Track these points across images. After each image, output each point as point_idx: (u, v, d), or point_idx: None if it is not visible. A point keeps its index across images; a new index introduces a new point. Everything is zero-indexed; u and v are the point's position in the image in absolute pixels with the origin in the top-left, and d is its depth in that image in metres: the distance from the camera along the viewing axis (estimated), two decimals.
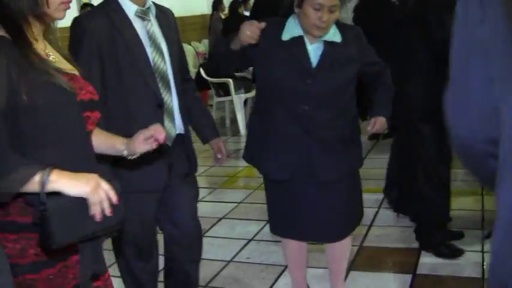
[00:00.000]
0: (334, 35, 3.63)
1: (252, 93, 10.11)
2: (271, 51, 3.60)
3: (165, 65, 3.44)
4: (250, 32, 3.39)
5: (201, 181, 7.30)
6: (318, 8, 3.46)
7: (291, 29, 3.60)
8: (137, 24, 3.39)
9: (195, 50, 13.48)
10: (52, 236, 2.05)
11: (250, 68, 9.37)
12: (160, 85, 3.40)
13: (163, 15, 3.59)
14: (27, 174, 2.03)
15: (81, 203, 2.10)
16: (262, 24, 3.42)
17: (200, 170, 7.69)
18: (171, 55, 3.49)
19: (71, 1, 2.35)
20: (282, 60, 3.59)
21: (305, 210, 3.81)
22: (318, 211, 3.79)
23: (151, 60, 3.38)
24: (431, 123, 4.68)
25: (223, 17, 13.09)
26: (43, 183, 2.04)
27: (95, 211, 2.12)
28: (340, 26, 3.70)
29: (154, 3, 3.57)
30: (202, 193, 6.81)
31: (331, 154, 3.70)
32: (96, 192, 2.11)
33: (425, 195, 4.92)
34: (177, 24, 3.72)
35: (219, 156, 3.93)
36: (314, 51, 3.61)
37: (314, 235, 3.96)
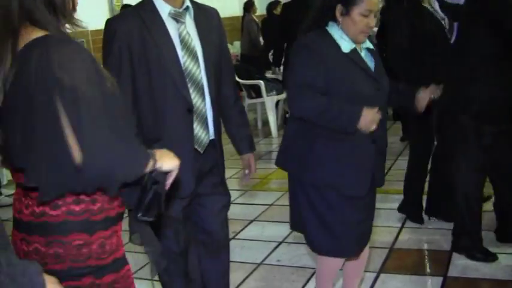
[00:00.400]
0: (369, 44, 3.66)
1: (284, 95, 10.13)
2: (339, 66, 3.52)
3: (198, 69, 3.38)
4: (376, 125, 3.44)
5: (232, 183, 7.31)
6: (366, 14, 3.45)
7: (344, 40, 3.55)
8: (170, 26, 3.34)
9: None
10: (160, 212, 2.22)
11: (281, 70, 9.41)
12: (191, 89, 3.35)
13: (205, 16, 3.54)
14: (147, 155, 2.14)
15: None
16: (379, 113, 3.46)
17: (232, 172, 7.74)
18: (206, 59, 3.43)
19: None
20: (352, 71, 3.53)
21: (368, 221, 3.84)
22: (370, 220, 3.86)
23: (182, 64, 3.32)
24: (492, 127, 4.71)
25: (255, 18, 13.11)
26: (154, 163, 2.15)
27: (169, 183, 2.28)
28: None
29: (195, 3, 3.54)
30: (233, 195, 6.81)
31: (382, 159, 3.78)
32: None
33: (461, 201, 4.90)
34: (222, 26, 3.69)
35: (246, 172, 3.91)
36: (365, 58, 3.61)
37: (363, 246, 3.90)
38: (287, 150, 3.78)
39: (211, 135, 3.48)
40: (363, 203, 3.68)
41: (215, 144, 3.53)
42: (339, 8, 3.50)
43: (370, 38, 3.72)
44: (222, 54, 3.63)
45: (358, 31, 3.49)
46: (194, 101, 3.35)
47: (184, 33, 3.37)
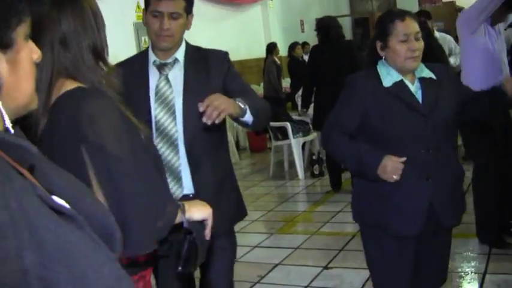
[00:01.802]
0: (426, 72, 3.57)
1: (310, 137, 10.11)
2: (380, 102, 3.48)
3: (173, 122, 3.31)
4: (396, 176, 3.35)
5: (258, 226, 7.29)
6: (405, 39, 3.42)
7: (389, 75, 3.52)
8: (153, 76, 3.37)
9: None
10: (196, 262, 2.24)
11: (310, 112, 9.40)
12: (162, 143, 3.30)
13: (205, 61, 3.46)
14: (175, 207, 2.17)
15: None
16: (402, 159, 3.36)
17: (257, 215, 7.73)
18: (187, 113, 3.31)
19: None
20: (393, 107, 3.47)
21: (426, 263, 3.68)
22: (434, 261, 3.69)
23: (154, 116, 3.29)
24: None
25: (277, 60, 13.17)
26: (184, 213, 2.18)
27: (209, 231, 2.30)
28: (428, 65, 3.63)
29: (199, 49, 3.51)
30: (259, 238, 6.81)
31: (452, 198, 3.58)
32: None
33: None
34: (229, 65, 3.54)
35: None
36: (417, 91, 3.53)
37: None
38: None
39: (186, 191, 3.34)
40: (414, 246, 3.55)
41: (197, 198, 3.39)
42: (378, 45, 3.51)
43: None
44: (231, 88, 3.45)
45: (402, 59, 3.44)
46: (163, 155, 3.25)
47: (161, 86, 3.35)
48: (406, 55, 3.42)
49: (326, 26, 8.54)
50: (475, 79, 5.54)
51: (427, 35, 7.43)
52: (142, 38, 10.70)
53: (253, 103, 3.35)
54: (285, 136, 9.91)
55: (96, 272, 1.18)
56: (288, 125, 9.83)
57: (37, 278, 1.09)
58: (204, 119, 2.96)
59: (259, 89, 13.99)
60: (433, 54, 6.47)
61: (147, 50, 3.46)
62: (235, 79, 3.56)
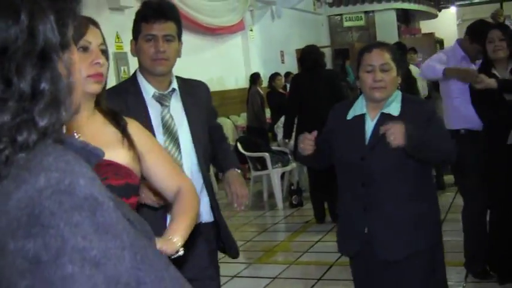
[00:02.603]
0: (393, 108, 3.59)
1: (289, 167, 10.14)
2: (336, 131, 3.73)
3: (180, 155, 3.31)
4: (304, 146, 3.60)
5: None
6: (370, 70, 3.55)
7: (356, 108, 3.67)
8: (153, 109, 3.30)
9: (233, 123, 13.59)
10: None
11: (291, 142, 9.42)
12: None
13: (192, 92, 3.50)
14: None
15: None
16: (313, 134, 3.57)
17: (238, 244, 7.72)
18: (195, 142, 3.37)
19: (99, 73, 2.39)
20: (342, 138, 3.67)
21: None
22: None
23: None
24: None
25: (260, 90, 13.22)
26: None
27: None
28: (407, 100, 3.67)
29: (183, 79, 3.52)
30: (238, 268, 6.80)
31: (398, 232, 3.57)
32: None
33: None
34: (211, 98, 3.68)
35: (234, 195, 3.48)
36: (372, 127, 3.61)
37: None
38: None
39: (204, 218, 3.36)
40: (360, 268, 3.80)
41: (208, 225, 3.44)
42: (355, 75, 3.74)
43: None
44: (212, 121, 3.66)
45: (368, 89, 3.58)
46: None
47: (167, 118, 3.32)
48: (371, 85, 3.53)
49: (308, 55, 8.60)
50: (455, 119, 5.62)
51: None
52: (122, 68, 10.71)
53: (233, 156, 3.75)
54: (264, 166, 9.93)
55: (169, 272, 1.19)
56: (267, 156, 9.85)
57: (132, 278, 1.11)
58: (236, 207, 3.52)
59: (239, 120, 14.03)
60: (405, 86, 6.63)
61: (134, 79, 3.38)
62: (214, 118, 3.73)
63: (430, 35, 22.17)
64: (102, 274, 1.07)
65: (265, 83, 13.84)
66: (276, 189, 9.95)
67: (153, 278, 1.13)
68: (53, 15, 1.17)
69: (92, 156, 1.27)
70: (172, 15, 3.36)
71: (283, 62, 16.83)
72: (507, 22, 10.09)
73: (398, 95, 3.64)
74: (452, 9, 27.82)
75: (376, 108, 3.62)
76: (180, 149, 3.32)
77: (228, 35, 14.30)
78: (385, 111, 3.59)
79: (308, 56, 8.57)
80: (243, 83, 14.84)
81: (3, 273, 1.06)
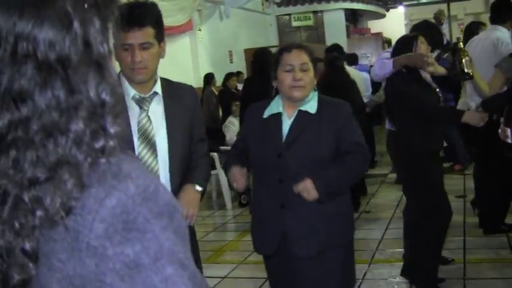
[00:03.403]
0: (310, 106, 3.69)
1: None
2: (252, 130, 3.76)
3: (155, 160, 3.27)
4: (237, 183, 3.71)
5: None
6: (289, 69, 3.61)
7: (273, 107, 3.71)
8: (132, 112, 3.26)
9: None
10: None
11: None
12: None
13: (177, 96, 3.44)
14: None
15: None
16: (244, 171, 3.70)
17: None
18: (170, 150, 3.32)
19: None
20: (259, 137, 3.70)
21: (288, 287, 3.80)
22: None
23: (137, 153, 3.21)
24: None
25: (215, 90, 13.22)
26: None
27: None
28: (323, 99, 3.76)
29: (170, 82, 3.48)
30: None
31: (313, 229, 3.66)
32: None
33: None
34: (198, 104, 3.68)
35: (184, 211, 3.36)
36: (289, 124, 3.68)
37: None
38: None
39: None
40: (276, 265, 3.86)
41: None
42: (272, 76, 3.71)
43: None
44: (195, 132, 3.54)
45: (287, 88, 3.63)
46: None
47: (144, 122, 3.27)
48: (291, 84, 3.57)
49: (261, 58, 8.64)
50: None
51: (340, 70, 7.82)
52: None
53: (206, 171, 3.63)
54: (213, 166, 9.92)
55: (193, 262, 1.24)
56: (216, 156, 9.85)
57: (195, 272, 1.19)
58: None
59: None
60: (342, 90, 6.80)
61: (118, 79, 3.27)
62: (200, 127, 3.63)
63: (378, 34, 22.39)
64: (187, 273, 1.16)
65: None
66: (225, 189, 9.96)
67: (197, 273, 1.21)
68: (100, 22, 1.19)
69: None
70: (149, 19, 3.27)
71: (231, 62, 16.82)
72: (446, 25, 10.40)
73: (315, 94, 3.75)
74: (400, 9, 28.07)
75: (293, 107, 3.70)
76: (156, 155, 3.27)
77: (176, 35, 14.24)
78: (303, 108, 3.68)
79: (260, 59, 8.63)
80: (191, 82, 14.76)
81: (104, 278, 1.11)
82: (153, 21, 3.29)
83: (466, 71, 5.41)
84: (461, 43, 5.84)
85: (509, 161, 5.06)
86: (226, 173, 3.84)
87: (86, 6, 1.17)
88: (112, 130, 1.18)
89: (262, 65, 8.47)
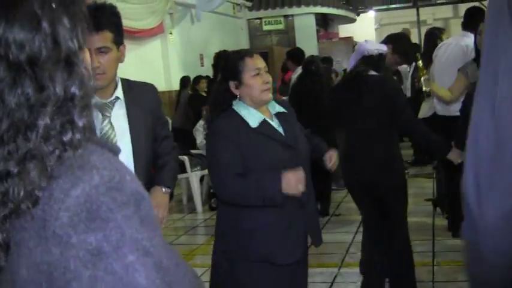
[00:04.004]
0: (279, 107, 3.76)
1: None
2: (250, 142, 3.57)
3: None
4: (301, 182, 3.45)
5: None
6: (257, 73, 3.60)
7: (252, 115, 3.62)
8: (95, 119, 3.16)
9: None
10: None
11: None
12: None
13: (138, 96, 3.40)
14: None
15: None
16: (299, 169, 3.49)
17: None
18: (134, 153, 3.28)
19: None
20: (264, 145, 3.59)
21: None
22: None
23: None
24: None
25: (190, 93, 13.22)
26: None
27: None
28: (277, 101, 3.83)
29: (129, 82, 3.44)
30: None
31: (317, 222, 3.88)
32: None
33: None
34: (159, 102, 3.64)
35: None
36: (278, 127, 3.69)
37: None
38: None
39: None
40: (292, 272, 3.69)
41: None
42: (232, 84, 3.63)
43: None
44: (157, 131, 3.52)
45: (258, 92, 3.60)
46: None
47: (106, 129, 3.23)
48: (262, 87, 3.57)
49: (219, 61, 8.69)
50: None
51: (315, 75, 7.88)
52: None
53: (172, 170, 3.56)
54: (184, 170, 9.92)
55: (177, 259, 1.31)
56: (186, 159, 9.84)
57: (166, 260, 1.23)
58: None
59: None
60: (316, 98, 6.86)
61: None
62: (162, 126, 3.58)
63: (348, 39, 22.50)
64: (151, 260, 1.18)
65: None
66: (195, 192, 9.96)
67: (175, 261, 1.27)
68: (68, 20, 1.25)
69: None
70: (107, 23, 3.20)
71: (202, 66, 16.80)
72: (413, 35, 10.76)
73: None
74: (371, 14, 28.22)
75: (265, 110, 3.71)
76: None
77: (147, 38, 14.22)
78: (278, 110, 3.73)
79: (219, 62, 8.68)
80: (163, 86, 14.75)
81: (68, 265, 1.15)
82: (112, 24, 3.24)
83: (423, 89, 5.53)
84: (420, 62, 5.95)
85: None
86: (268, 196, 3.48)
87: (53, 5, 1.22)
88: (80, 123, 1.23)
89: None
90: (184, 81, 13.48)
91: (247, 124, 3.58)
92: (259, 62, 3.65)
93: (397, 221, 5.15)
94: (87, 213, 1.15)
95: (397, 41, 5.82)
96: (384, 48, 5.29)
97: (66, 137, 1.21)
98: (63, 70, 1.22)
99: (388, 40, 5.88)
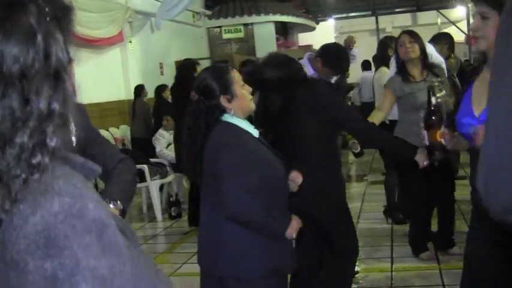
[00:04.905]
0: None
1: (168, 179, 10.12)
2: (259, 151, 3.58)
3: None
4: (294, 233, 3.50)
5: None
6: (242, 83, 3.62)
7: (249, 126, 3.63)
8: None
9: (112, 135, 13.44)
10: None
11: (171, 154, 9.44)
12: None
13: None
14: None
15: None
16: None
17: None
18: None
19: None
20: (267, 155, 3.61)
21: None
22: None
23: None
24: None
25: (146, 102, 13.14)
26: None
27: None
28: None
29: None
30: None
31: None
32: None
33: None
34: (87, 121, 3.42)
35: None
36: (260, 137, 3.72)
37: None
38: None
39: None
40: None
41: None
42: (223, 99, 3.55)
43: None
44: (89, 150, 3.24)
45: (248, 101, 3.62)
46: None
47: None
48: (249, 97, 3.62)
49: (187, 67, 8.71)
50: None
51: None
52: None
53: (121, 184, 3.28)
54: (143, 178, 9.88)
55: (158, 277, 1.38)
56: (145, 168, 9.82)
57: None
58: None
59: (118, 132, 13.89)
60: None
61: None
62: (96, 146, 3.36)
63: (308, 47, 22.59)
64: None
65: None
66: (155, 201, 9.93)
67: (148, 284, 1.30)
68: (60, 34, 1.23)
69: (90, 172, 1.37)
70: None
71: (162, 74, 16.76)
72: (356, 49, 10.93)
73: None
74: (330, 22, 28.44)
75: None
76: None
77: (106, 46, 14.16)
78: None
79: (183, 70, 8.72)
80: (122, 94, 14.71)
81: None
82: None
83: None
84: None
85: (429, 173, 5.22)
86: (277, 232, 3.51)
87: (48, 19, 1.21)
88: (52, 143, 1.21)
89: (189, 73, 8.50)
90: (138, 89, 13.39)
91: (250, 134, 3.58)
92: (239, 75, 3.67)
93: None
94: (44, 240, 1.15)
95: (325, 54, 5.87)
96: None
97: (36, 160, 1.19)
98: (50, 84, 1.21)
99: (318, 53, 5.99)
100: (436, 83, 3.82)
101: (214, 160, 3.48)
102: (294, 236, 3.48)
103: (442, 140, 3.38)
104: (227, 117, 3.56)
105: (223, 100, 3.54)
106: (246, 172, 3.42)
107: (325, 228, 4.90)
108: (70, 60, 1.27)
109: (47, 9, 1.21)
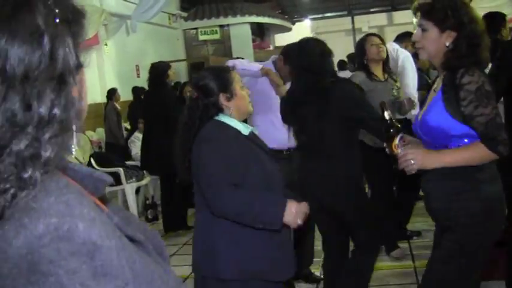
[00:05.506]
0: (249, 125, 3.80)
1: (144, 182, 10.10)
2: (245, 150, 3.55)
3: None
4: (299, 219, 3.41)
5: None
6: (242, 85, 3.65)
7: (240, 124, 3.62)
8: None
9: (89, 138, 13.39)
10: None
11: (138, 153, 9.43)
12: None
13: None
14: None
15: None
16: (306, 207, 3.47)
17: None
18: None
19: None
20: (257, 153, 3.60)
21: None
22: None
23: None
24: None
25: (117, 106, 13.08)
26: None
27: None
28: None
29: None
30: None
31: None
32: None
33: None
34: None
35: None
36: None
37: None
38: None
39: None
40: None
41: None
42: (222, 97, 3.57)
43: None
44: None
45: (247, 102, 3.65)
46: None
47: None
48: (248, 99, 3.66)
49: (158, 71, 8.67)
50: None
51: None
52: None
53: None
54: (119, 181, 9.85)
55: None
56: (121, 170, 9.78)
57: None
58: None
59: (94, 135, 13.84)
60: None
61: None
62: None
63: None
64: None
65: (123, 98, 13.68)
66: (131, 204, 9.89)
67: None
68: (70, 37, 1.20)
69: (99, 183, 1.30)
70: None
71: (138, 76, 16.71)
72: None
73: None
74: (306, 23, 28.48)
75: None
76: None
77: (81, 49, 14.10)
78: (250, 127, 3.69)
79: (156, 72, 8.69)
80: (98, 97, 14.66)
81: None
82: None
83: None
84: None
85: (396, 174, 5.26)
86: (266, 219, 3.41)
87: (57, 20, 1.17)
88: (47, 153, 1.14)
89: (161, 78, 8.50)
90: (110, 93, 13.32)
91: (239, 132, 3.56)
92: (238, 75, 3.69)
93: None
94: (28, 265, 1.08)
95: (286, 52, 5.86)
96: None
97: (26, 174, 1.11)
98: (54, 88, 1.15)
99: (282, 52, 6.04)
100: (395, 88, 3.92)
101: (196, 156, 3.51)
102: (300, 222, 3.39)
103: (399, 151, 3.43)
104: (221, 117, 3.59)
105: (222, 98, 3.58)
106: (226, 167, 3.41)
107: (351, 220, 4.89)
108: (79, 66, 1.25)
109: (56, 10, 1.18)
